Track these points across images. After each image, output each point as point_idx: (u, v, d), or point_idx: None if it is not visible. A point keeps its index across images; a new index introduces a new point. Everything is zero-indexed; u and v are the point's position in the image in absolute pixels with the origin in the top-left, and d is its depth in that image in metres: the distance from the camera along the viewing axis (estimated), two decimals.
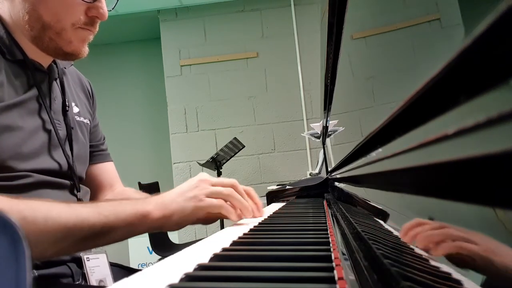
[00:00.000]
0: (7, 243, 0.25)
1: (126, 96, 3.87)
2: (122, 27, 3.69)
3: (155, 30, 3.56)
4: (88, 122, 0.92)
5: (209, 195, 0.67)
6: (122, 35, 3.85)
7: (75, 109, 0.88)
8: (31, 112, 0.74)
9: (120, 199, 0.70)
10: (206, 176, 0.70)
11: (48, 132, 0.76)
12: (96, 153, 0.97)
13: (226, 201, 0.67)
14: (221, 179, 0.70)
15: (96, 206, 0.62)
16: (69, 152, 0.80)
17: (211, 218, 0.70)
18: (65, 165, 0.78)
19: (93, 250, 0.79)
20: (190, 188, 0.68)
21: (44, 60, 0.79)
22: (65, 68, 0.88)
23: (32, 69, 0.75)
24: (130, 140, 3.73)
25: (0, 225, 0.26)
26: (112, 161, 1.04)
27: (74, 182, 0.80)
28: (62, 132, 0.80)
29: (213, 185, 0.68)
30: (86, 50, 0.77)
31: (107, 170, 1.00)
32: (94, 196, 0.96)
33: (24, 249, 0.26)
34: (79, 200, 0.80)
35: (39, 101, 0.76)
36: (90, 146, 0.94)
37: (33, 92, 0.75)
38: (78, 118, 0.88)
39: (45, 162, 0.74)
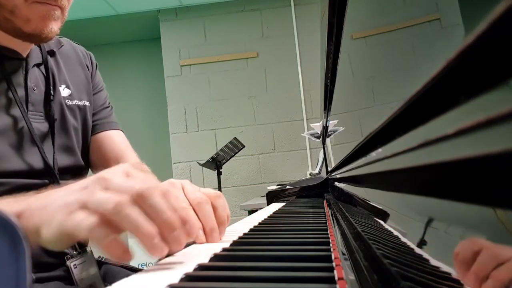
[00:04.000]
0: (7, 243, 0.25)
1: (126, 96, 3.86)
2: (122, 27, 3.69)
3: (155, 30, 3.56)
4: (85, 103, 0.84)
5: (87, 206, 0.38)
6: (122, 35, 3.85)
7: (65, 92, 0.81)
8: None
9: (1, 198, 0.46)
10: (121, 169, 0.42)
11: (20, 129, 0.69)
12: (94, 123, 0.88)
13: (110, 221, 0.37)
14: (127, 181, 0.40)
15: None
16: (50, 147, 0.74)
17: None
18: (40, 164, 0.71)
19: (78, 253, 0.75)
20: (75, 190, 0.41)
21: (22, 47, 0.72)
22: (53, 50, 0.81)
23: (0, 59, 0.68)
24: (130, 140, 3.70)
25: (0, 225, 0.26)
26: (119, 129, 0.92)
27: (53, 182, 0.73)
28: (44, 125, 0.74)
29: (106, 188, 0.39)
30: (52, 29, 0.66)
31: (109, 140, 0.89)
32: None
33: (24, 249, 0.26)
34: None
35: (8, 95, 0.69)
36: (92, 116, 0.87)
37: (1, 85, 0.68)
38: (69, 102, 0.81)
39: (17, 164, 0.68)
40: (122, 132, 0.94)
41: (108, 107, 0.94)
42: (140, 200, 0.37)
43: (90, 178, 0.42)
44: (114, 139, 0.90)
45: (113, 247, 0.37)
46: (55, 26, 0.67)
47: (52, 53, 0.82)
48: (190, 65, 3.46)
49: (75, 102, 0.82)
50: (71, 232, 0.37)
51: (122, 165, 0.43)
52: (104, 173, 0.41)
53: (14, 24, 0.65)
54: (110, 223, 0.37)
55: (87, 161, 0.87)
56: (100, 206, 0.37)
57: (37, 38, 0.68)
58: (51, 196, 0.42)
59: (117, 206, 0.36)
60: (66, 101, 0.81)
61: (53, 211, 0.40)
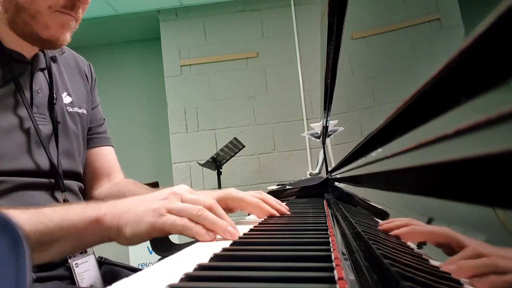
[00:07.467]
0: (7, 243, 0.25)
1: (126, 96, 3.87)
2: (122, 27, 3.69)
3: (155, 30, 3.56)
4: (84, 111, 0.87)
5: (172, 211, 0.53)
6: (122, 35, 3.85)
7: (67, 100, 0.83)
8: (6, 109, 0.69)
9: (71, 204, 0.59)
10: (184, 188, 0.58)
11: (27, 129, 0.71)
12: (92, 136, 0.91)
13: (193, 221, 0.54)
14: (197, 197, 0.57)
15: (37, 212, 0.53)
16: (54, 149, 0.75)
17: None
18: (46, 165, 0.73)
19: (80, 253, 0.75)
20: (156, 199, 0.55)
21: (28, 50, 0.74)
22: (56, 56, 0.83)
23: (8, 61, 0.70)
24: (130, 140, 3.73)
25: (0, 225, 0.26)
26: (111, 145, 0.96)
27: (57, 182, 0.75)
28: (47, 127, 0.75)
29: (183, 201, 0.56)
30: (67, 37, 0.70)
31: (104, 156, 0.93)
32: (91, 186, 0.92)
33: (24, 249, 0.26)
34: (65, 202, 0.75)
35: (16, 96, 0.71)
36: (87, 130, 0.89)
37: (10, 86, 0.70)
38: (70, 109, 0.83)
39: (24, 162, 0.70)
40: (113, 148, 0.97)
41: (104, 122, 0.97)
42: (210, 209, 0.55)
43: (165, 191, 0.57)
44: (109, 156, 0.94)
45: (201, 232, 0.53)
46: (68, 35, 0.71)
47: (54, 59, 0.83)
48: (190, 65, 3.46)
49: (76, 109, 0.84)
50: (163, 228, 0.52)
51: (183, 185, 0.60)
52: (176, 189, 0.58)
53: (32, 28, 0.67)
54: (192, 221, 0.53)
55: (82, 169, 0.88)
56: (184, 212, 0.53)
57: (51, 45, 0.71)
58: (128, 204, 0.56)
59: (198, 211, 0.54)
60: (68, 107, 0.82)
61: (140, 213, 0.53)
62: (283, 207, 0.79)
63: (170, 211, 0.53)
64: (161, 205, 0.54)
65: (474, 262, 0.16)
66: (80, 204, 0.57)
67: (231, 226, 0.54)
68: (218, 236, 0.54)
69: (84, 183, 0.91)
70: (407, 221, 0.27)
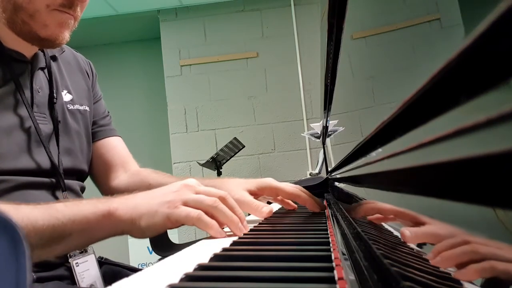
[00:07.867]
0: (7, 243, 0.25)
1: (126, 96, 3.86)
2: (122, 27, 3.69)
3: (155, 30, 3.56)
4: (86, 108, 0.87)
5: (188, 203, 0.54)
6: (122, 35, 3.85)
7: (67, 97, 0.83)
8: (6, 109, 0.69)
9: (82, 199, 0.60)
10: (194, 181, 0.59)
11: (27, 129, 0.71)
12: (97, 129, 0.91)
13: (207, 212, 0.55)
14: (209, 189, 0.58)
15: (48, 207, 0.53)
16: (54, 148, 0.76)
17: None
18: (47, 164, 0.73)
19: (80, 252, 0.75)
20: (169, 192, 0.57)
21: (28, 49, 0.74)
22: (55, 55, 0.84)
23: (8, 60, 0.71)
24: (130, 140, 3.71)
25: (0, 225, 0.26)
26: (119, 136, 0.96)
27: (58, 181, 0.75)
28: (48, 126, 0.75)
29: (197, 193, 0.57)
30: (66, 36, 0.70)
31: (114, 146, 0.93)
32: (106, 178, 0.91)
33: (24, 249, 0.26)
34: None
35: (16, 96, 0.71)
36: (92, 124, 0.90)
37: (10, 86, 0.70)
38: (71, 107, 0.83)
39: (25, 162, 0.70)
40: (121, 139, 0.97)
41: (108, 115, 0.97)
42: (223, 201, 0.56)
43: (176, 184, 0.58)
44: (118, 146, 0.94)
45: (215, 228, 0.54)
46: (67, 34, 0.71)
47: (54, 58, 0.83)
48: (190, 65, 3.46)
49: (77, 106, 0.84)
50: (178, 220, 0.53)
51: (192, 179, 0.60)
52: (187, 182, 0.58)
53: (31, 27, 0.67)
54: (207, 214, 0.54)
55: (88, 165, 0.88)
56: (199, 203, 0.54)
57: (50, 43, 0.71)
58: (140, 198, 0.57)
59: (214, 203, 0.55)
60: (68, 105, 0.82)
61: (154, 205, 0.54)
62: (317, 203, 0.80)
63: (185, 203, 0.54)
64: (175, 197, 0.55)
65: (454, 250, 0.16)
66: (90, 199, 0.57)
67: (241, 221, 0.56)
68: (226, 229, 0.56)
69: (98, 177, 0.92)
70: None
